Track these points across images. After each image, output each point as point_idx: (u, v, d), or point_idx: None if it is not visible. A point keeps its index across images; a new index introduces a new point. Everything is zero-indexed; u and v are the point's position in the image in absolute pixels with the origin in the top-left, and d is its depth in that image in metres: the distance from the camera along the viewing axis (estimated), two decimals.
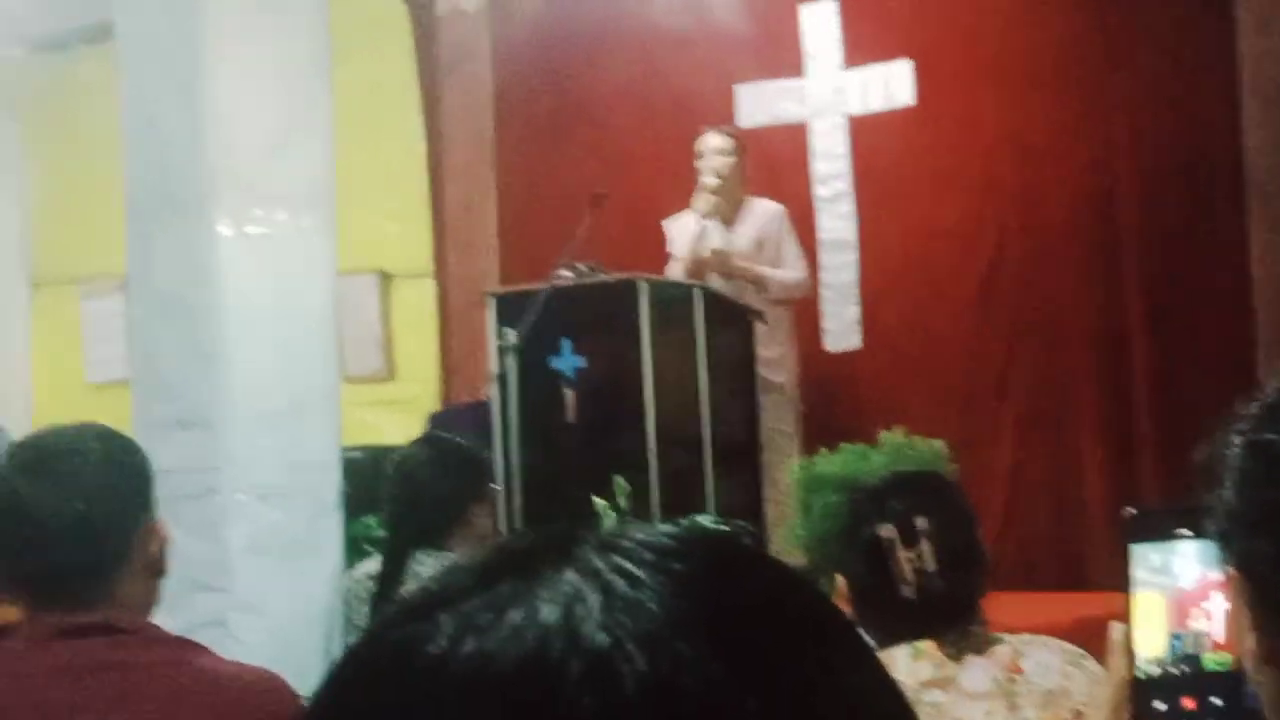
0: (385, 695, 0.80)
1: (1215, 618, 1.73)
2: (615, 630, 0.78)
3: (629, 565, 0.82)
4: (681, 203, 8.42)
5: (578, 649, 0.78)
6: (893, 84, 9.02)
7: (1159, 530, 1.80)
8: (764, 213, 8.46)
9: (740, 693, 0.77)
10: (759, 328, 8.05)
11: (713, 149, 8.39)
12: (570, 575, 0.82)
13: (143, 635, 2.86)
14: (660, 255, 8.42)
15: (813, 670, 0.81)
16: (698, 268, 8.22)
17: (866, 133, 9.16)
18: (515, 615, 0.80)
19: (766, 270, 8.35)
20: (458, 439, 5.54)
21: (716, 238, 8.27)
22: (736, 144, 8.47)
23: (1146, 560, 1.80)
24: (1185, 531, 1.78)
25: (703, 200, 8.29)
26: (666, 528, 0.87)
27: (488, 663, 0.78)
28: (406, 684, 0.80)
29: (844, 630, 0.86)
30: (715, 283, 8.15)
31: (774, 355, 8.22)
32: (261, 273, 6.06)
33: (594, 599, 0.80)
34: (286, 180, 6.16)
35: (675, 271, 8.25)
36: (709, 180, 8.30)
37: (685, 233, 8.34)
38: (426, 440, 5.60)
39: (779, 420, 8.23)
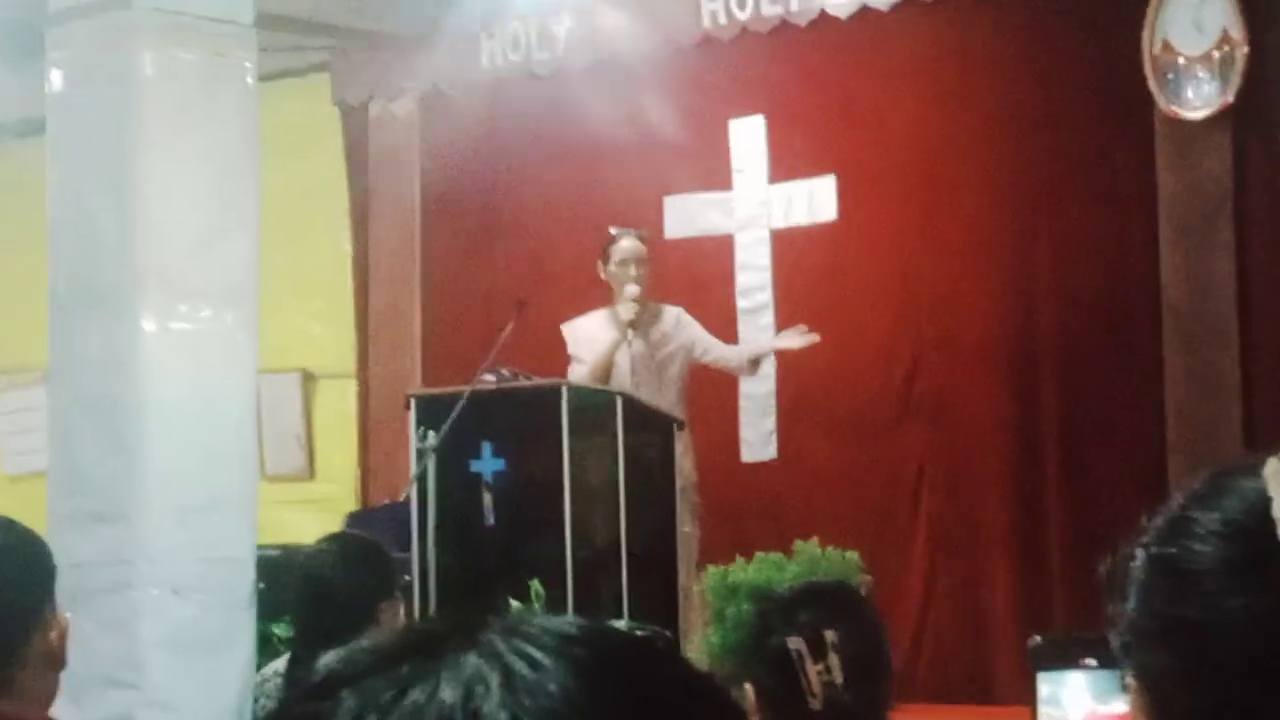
0: None
1: None
2: (515, 709, 0.81)
3: (531, 649, 0.85)
4: (592, 308, 8.38)
5: None
6: (816, 199, 9.10)
7: (1064, 658, 1.82)
8: (667, 318, 8.37)
9: None
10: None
11: (634, 256, 8.33)
12: (473, 658, 0.84)
13: None
14: None
15: None
16: (606, 374, 8.16)
17: (789, 246, 9.23)
18: (417, 694, 0.83)
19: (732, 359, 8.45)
20: (364, 536, 5.51)
21: (637, 346, 8.22)
22: (646, 249, 8.41)
23: (1043, 689, 1.83)
24: (1090, 661, 1.81)
25: (627, 309, 8.21)
26: (571, 617, 0.90)
27: None
28: None
29: None
30: (627, 386, 8.11)
31: (680, 452, 8.11)
32: (183, 369, 6.05)
33: (495, 680, 0.83)
34: (212, 277, 6.16)
35: (580, 374, 8.17)
36: (631, 289, 8.22)
37: (593, 338, 8.27)
38: (333, 538, 5.56)
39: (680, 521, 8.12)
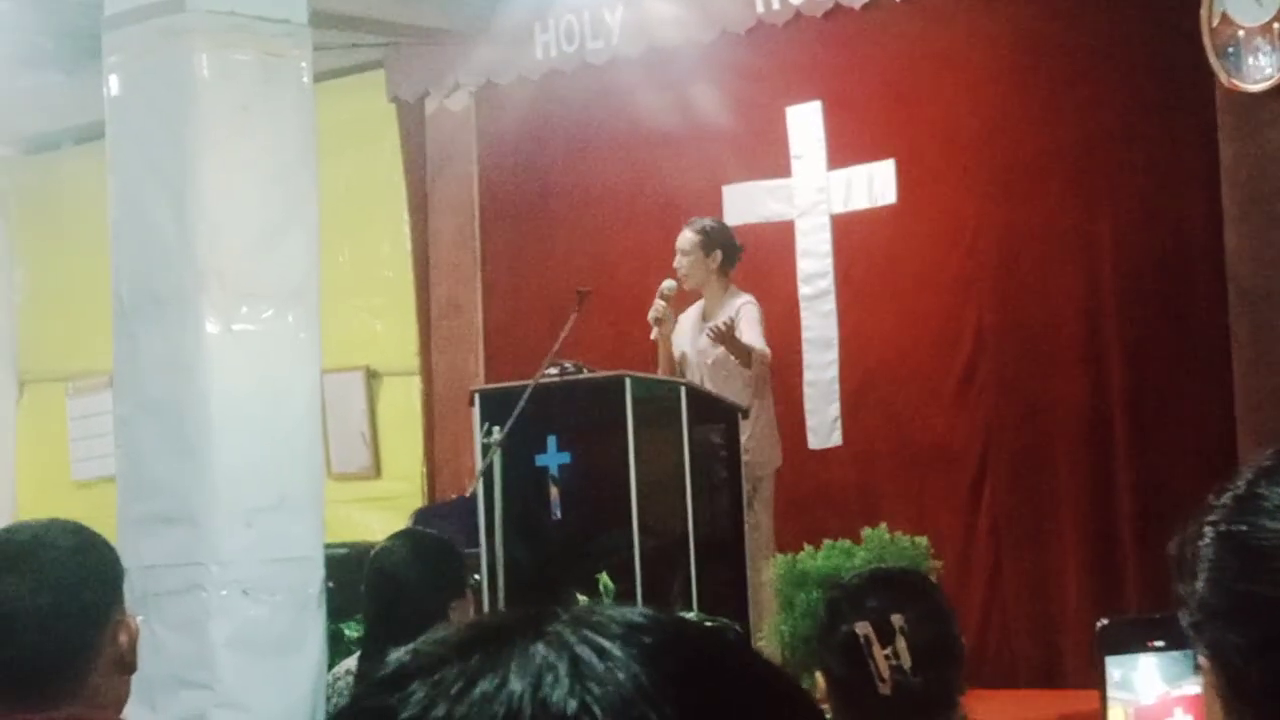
0: None
1: None
2: (584, 697, 0.82)
3: (599, 639, 0.86)
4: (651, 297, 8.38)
5: (546, 715, 0.82)
6: (876, 183, 9.07)
7: (1133, 640, 1.81)
8: (727, 310, 8.28)
9: None
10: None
11: (679, 247, 8.30)
12: (541, 648, 0.85)
13: None
14: (645, 352, 8.41)
15: None
16: (674, 365, 8.18)
17: (849, 231, 9.20)
18: (486, 684, 0.84)
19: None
20: (436, 534, 5.51)
21: (702, 340, 8.20)
22: (701, 240, 8.28)
23: (1114, 673, 1.82)
24: (1158, 643, 1.79)
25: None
26: (639, 607, 0.90)
27: None
28: None
29: (806, 711, 0.88)
30: (696, 376, 8.11)
31: (743, 440, 8.06)
32: (247, 370, 6.08)
33: (563, 669, 0.84)
34: (273, 278, 6.19)
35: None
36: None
37: (682, 330, 8.30)
38: (405, 535, 5.57)
39: (751, 507, 8.07)
